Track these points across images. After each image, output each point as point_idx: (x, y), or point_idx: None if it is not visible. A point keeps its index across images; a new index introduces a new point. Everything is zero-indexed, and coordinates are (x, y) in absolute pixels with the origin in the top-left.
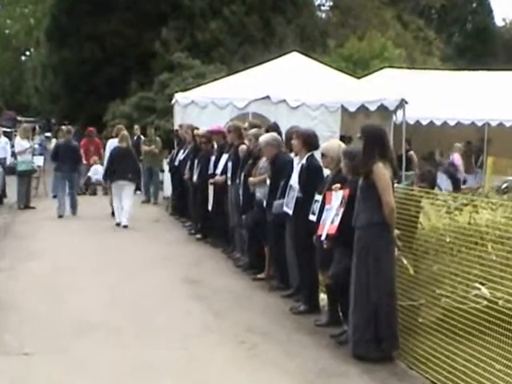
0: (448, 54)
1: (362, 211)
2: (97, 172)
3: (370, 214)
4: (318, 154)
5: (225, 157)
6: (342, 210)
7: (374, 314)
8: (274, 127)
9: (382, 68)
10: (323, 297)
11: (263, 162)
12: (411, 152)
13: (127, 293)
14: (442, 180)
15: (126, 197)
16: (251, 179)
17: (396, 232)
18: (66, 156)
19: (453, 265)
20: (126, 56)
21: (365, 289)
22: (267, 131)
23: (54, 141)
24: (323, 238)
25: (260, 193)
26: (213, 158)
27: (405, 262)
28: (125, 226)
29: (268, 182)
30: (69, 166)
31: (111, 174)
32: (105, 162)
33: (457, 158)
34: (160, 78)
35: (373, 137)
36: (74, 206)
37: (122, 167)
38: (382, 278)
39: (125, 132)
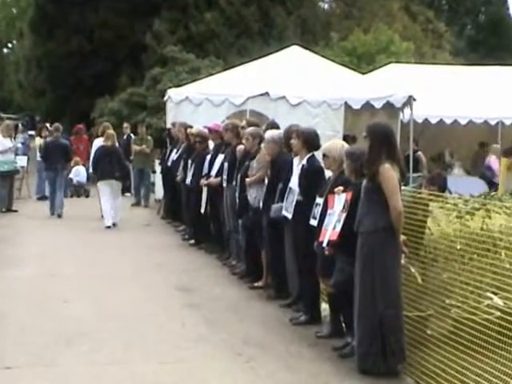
0: (459, 48)
1: (366, 215)
2: (78, 174)
3: (374, 219)
4: (319, 155)
5: (221, 157)
6: (344, 214)
7: (380, 325)
8: (274, 125)
9: (388, 63)
10: (325, 306)
11: (255, 161)
12: (419, 152)
13: (115, 302)
14: (471, 184)
15: (114, 196)
16: (247, 180)
17: (402, 238)
18: (55, 154)
19: (464, 273)
20: (115, 49)
21: (370, 299)
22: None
23: (38, 139)
24: (325, 244)
25: (251, 196)
26: (208, 159)
27: (412, 270)
28: (114, 224)
29: (266, 181)
30: (58, 164)
31: (97, 174)
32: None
33: (494, 161)
34: (152, 73)
35: (379, 136)
36: (59, 207)
37: (108, 166)
38: (388, 287)
39: (110, 130)
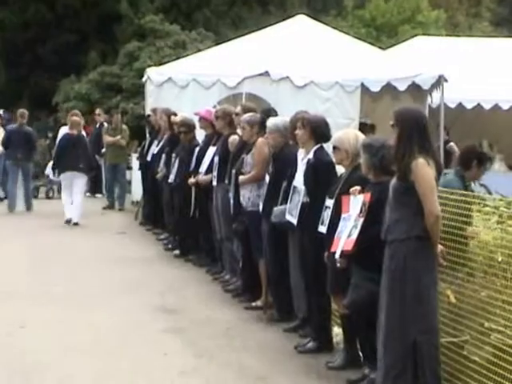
0: (501, 16)
1: (396, 221)
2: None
3: (407, 225)
4: (329, 147)
5: (212, 150)
6: (361, 219)
7: (412, 354)
8: (270, 113)
9: (414, 35)
10: (337, 331)
11: (250, 157)
12: (451, 144)
13: (84, 327)
14: None
15: (76, 191)
16: (241, 178)
17: (440, 248)
18: (19, 143)
19: (506, 291)
20: (82, 19)
21: (400, 322)
22: (262, 119)
23: None
24: (337, 255)
25: (243, 197)
26: (196, 152)
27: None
28: (75, 224)
29: (267, 179)
30: (22, 154)
31: (60, 165)
32: None
33: None
34: (127, 48)
35: (411, 123)
36: (28, 200)
37: (72, 156)
38: (423, 307)
39: (74, 117)
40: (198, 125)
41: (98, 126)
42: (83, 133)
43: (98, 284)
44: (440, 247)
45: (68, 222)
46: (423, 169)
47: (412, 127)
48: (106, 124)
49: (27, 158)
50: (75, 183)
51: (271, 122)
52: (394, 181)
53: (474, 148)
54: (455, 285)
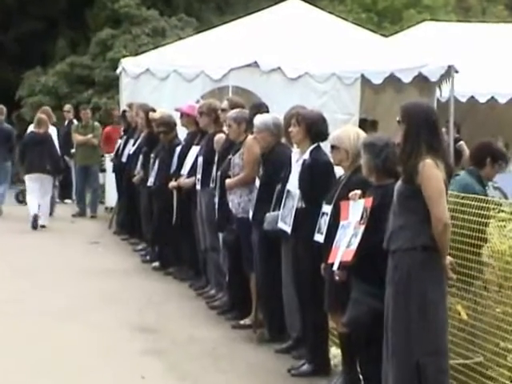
0: None
1: (400, 229)
2: None
3: (412, 233)
4: (326, 147)
5: (195, 150)
6: (362, 227)
7: (417, 378)
8: (261, 108)
9: (420, 21)
10: (335, 352)
11: (238, 157)
12: (461, 142)
13: (52, 348)
14: None
15: (44, 193)
16: (228, 181)
17: (449, 259)
18: None
19: None
20: (49, 4)
21: (404, 342)
22: (251, 116)
23: None
24: (335, 267)
25: (233, 202)
26: (177, 152)
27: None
28: (42, 226)
29: (257, 183)
30: (1, 153)
31: (24, 165)
32: None
33: None
34: (99, 36)
35: (419, 120)
36: None
37: (37, 157)
38: (429, 325)
39: (42, 115)
40: (179, 122)
41: (66, 123)
42: (53, 129)
43: (68, 298)
44: (449, 259)
45: (34, 227)
46: (430, 170)
47: (420, 124)
48: (75, 121)
49: (6, 157)
50: (42, 186)
51: (259, 119)
52: (399, 183)
53: (487, 144)
54: (467, 300)
